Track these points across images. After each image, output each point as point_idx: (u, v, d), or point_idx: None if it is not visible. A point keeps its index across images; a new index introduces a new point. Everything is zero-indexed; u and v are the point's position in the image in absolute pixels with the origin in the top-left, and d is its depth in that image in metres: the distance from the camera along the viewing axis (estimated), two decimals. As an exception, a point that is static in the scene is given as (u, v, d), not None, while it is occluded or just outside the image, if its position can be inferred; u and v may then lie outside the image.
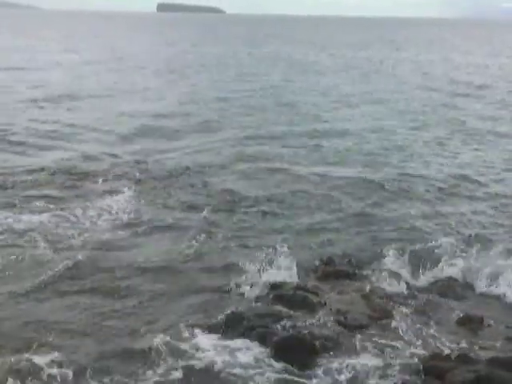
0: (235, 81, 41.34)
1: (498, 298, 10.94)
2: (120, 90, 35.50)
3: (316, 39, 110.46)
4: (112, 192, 15.71)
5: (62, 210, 14.13)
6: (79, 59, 53.83)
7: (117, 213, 14.22)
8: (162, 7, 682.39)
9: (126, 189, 15.95)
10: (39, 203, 14.53)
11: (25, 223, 13.17)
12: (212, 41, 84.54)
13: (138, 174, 17.58)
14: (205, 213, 14.53)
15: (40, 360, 8.09)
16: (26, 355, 8.15)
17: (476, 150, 22.50)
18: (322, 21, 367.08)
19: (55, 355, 8.23)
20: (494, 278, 11.44)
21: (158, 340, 8.76)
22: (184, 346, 8.72)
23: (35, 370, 7.90)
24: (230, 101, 32.75)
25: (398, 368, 8.33)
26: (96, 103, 30.67)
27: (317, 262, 12.05)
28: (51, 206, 14.35)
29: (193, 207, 15.08)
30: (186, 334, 9.09)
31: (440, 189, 17.38)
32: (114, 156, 19.96)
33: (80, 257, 11.60)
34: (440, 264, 12.06)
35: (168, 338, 8.83)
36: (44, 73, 41.99)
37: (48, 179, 16.75)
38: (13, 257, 11.52)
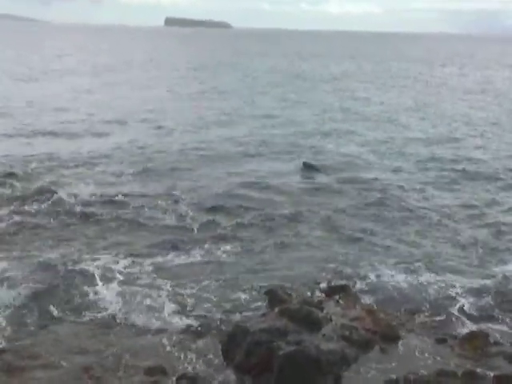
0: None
1: (504, 314, 10.93)
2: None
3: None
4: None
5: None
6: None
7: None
8: (169, 21, 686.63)
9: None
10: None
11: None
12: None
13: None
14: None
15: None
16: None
17: None
18: (335, 34, 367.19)
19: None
20: (499, 295, 11.48)
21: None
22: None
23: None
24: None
25: (403, 384, 8.32)
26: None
27: (322, 277, 12.10)
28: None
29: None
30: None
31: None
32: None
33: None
34: (444, 279, 12.13)
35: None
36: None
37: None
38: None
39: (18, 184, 17.61)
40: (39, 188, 17.14)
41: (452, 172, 21.43)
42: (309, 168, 21.20)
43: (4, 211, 15.22)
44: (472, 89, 49.60)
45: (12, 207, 15.53)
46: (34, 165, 19.95)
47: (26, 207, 15.58)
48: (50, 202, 15.96)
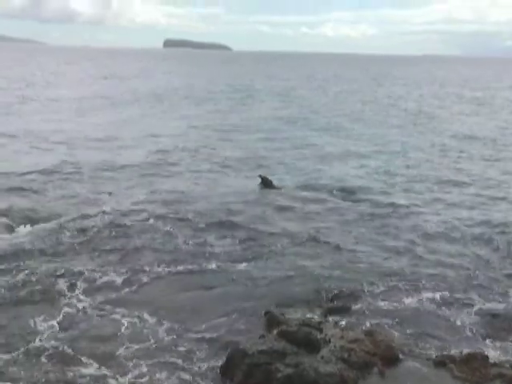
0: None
1: (505, 335, 10.90)
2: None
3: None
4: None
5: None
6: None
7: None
8: (168, 43, 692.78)
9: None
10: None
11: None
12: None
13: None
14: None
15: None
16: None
17: None
18: (345, 58, 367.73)
19: None
20: (501, 317, 11.47)
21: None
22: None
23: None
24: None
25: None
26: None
27: (322, 298, 12.09)
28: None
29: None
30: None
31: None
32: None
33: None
34: (444, 300, 12.15)
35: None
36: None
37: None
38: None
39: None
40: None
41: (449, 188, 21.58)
42: (267, 184, 21.06)
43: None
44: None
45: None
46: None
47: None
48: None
